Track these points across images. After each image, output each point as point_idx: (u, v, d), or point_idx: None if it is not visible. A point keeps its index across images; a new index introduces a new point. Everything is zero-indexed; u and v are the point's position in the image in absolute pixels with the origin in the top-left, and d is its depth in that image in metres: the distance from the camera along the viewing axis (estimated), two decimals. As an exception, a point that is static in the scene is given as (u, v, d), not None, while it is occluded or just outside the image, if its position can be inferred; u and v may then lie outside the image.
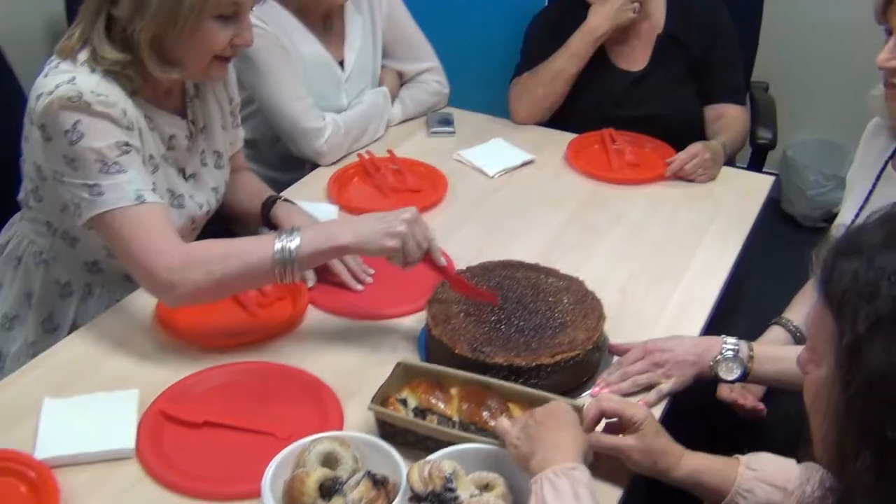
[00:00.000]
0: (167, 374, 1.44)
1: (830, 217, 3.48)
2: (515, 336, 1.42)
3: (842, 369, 0.84)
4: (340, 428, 1.34)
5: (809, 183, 3.54)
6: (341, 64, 2.18)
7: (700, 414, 1.56)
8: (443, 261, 1.49)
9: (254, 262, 1.40)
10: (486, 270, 1.58)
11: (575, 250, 1.82)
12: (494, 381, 1.34)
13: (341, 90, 2.19)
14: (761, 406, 1.58)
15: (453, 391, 1.34)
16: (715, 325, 1.64)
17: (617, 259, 1.80)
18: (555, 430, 1.15)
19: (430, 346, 1.47)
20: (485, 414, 1.30)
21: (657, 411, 1.40)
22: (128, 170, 1.42)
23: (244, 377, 1.44)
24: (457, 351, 1.39)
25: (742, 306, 1.95)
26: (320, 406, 1.38)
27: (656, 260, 1.80)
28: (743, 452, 1.72)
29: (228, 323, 1.56)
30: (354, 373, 1.46)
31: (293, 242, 1.39)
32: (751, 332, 1.68)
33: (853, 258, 0.85)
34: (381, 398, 1.31)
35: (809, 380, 0.91)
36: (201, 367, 1.44)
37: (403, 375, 1.36)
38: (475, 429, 1.29)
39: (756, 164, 2.53)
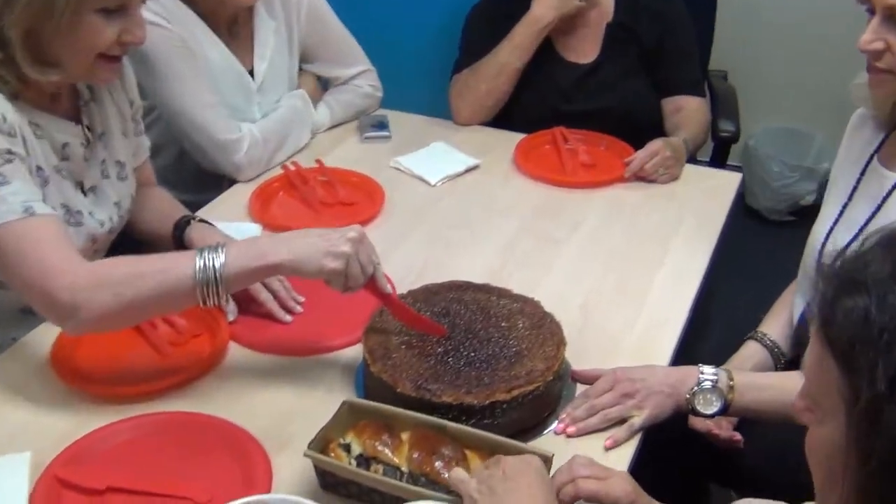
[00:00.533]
0: (66, 429, 1.32)
1: (797, 210, 3.48)
2: (465, 370, 1.33)
3: (858, 432, 0.74)
4: (268, 486, 1.23)
5: (774, 174, 3.50)
6: (251, 73, 2.07)
7: (671, 445, 1.51)
8: (388, 288, 1.40)
9: (171, 283, 1.30)
10: (430, 294, 1.49)
11: (529, 264, 1.75)
12: (452, 424, 1.24)
13: (253, 102, 2.08)
14: (738, 436, 1.52)
15: (404, 436, 1.24)
16: (685, 337, 1.58)
17: (576, 273, 1.73)
18: (525, 492, 1.05)
19: (369, 384, 1.37)
20: (437, 464, 1.20)
21: (629, 448, 1.33)
22: (12, 181, 1.31)
23: (155, 431, 1.32)
24: (399, 390, 1.29)
25: (711, 311, 1.89)
26: (245, 461, 1.27)
27: (619, 271, 1.74)
28: (723, 483, 1.68)
29: (136, 366, 1.45)
30: (285, 419, 1.35)
31: (218, 260, 1.29)
32: (723, 342, 1.67)
33: (858, 295, 0.75)
34: (322, 442, 1.22)
35: (814, 438, 0.81)
36: (105, 419, 1.33)
37: (349, 416, 1.26)
38: (426, 481, 1.19)
39: (718, 159, 2.50)
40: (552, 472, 1.16)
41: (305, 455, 1.19)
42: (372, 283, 1.37)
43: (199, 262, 1.29)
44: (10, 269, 1.33)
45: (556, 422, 1.35)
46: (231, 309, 1.55)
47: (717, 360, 1.53)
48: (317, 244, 1.31)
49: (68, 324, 1.32)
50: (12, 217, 1.30)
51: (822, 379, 0.78)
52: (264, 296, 1.56)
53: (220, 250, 1.30)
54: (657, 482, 1.27)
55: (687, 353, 1.56)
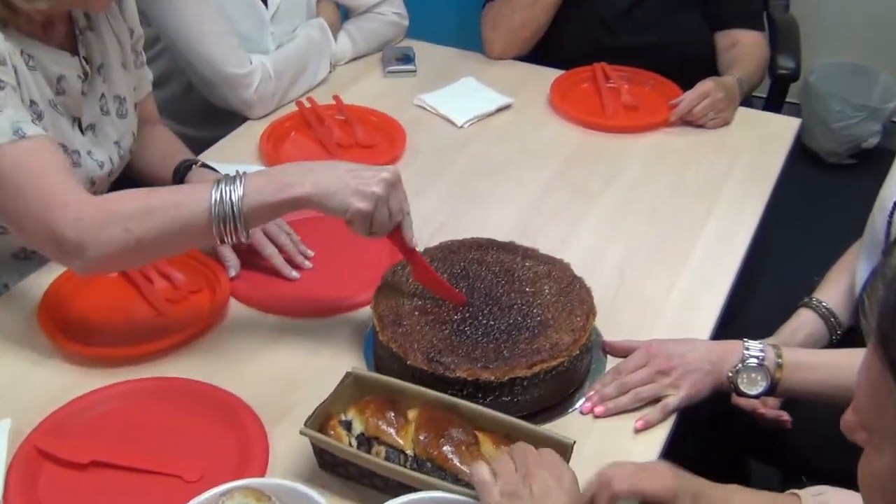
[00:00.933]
0: (51, 393, 1.27)
1: (859, 153, 3.35)
2: (483, 341, 1.26)
3: None
4: (264, 464, 1.18)
5: (834, 114, 3.36)
6: (264, 1, 1.98)
7: (710, 421, 1.45)
8: (414, 241, 1.32)
9: (184, 218, 1.23)
10: (449, 253, 1.41)
11: (560, 219, 1.68)
12: (463, 403, 1.17)
13: (266, 32, 1.99)
14: (786, 416, 1.45)
15: (411, 414, 1.18)
16: (731, 302, 1.50)
17: (611, 230, 1.66)
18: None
19: (378, 353, 1.31)
20: (446, 448, 1.13)
21: (662, 430, 1.26)
22: (3, 108, 1.25)
23: (145, 398, 1.27)
24: (409, 362, 1.23)
25: (762, 270, 1.81)
26: (241, 436, 1.21)
27: (660, 229, 1.66)
28: (765, 462, 1.60)
29: (129, 325, 1.41)
30: (285, 388, 1.30)
31: (235, 192, 1.22)
32: (774, 307, 1.59)
33: None
34: (322, 418, 1.16)
35: (868, 466, 0.73)
36: (93, 383, 1.28)
37: (353, 390, 1.20)
38: (432, 466, 1.12)
39: (775, 99, 2.38)
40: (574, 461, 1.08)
41: (302, 433, 1.13)
42: (397, 234, 1.29)
43: (215, 195, 1.22)
44: (6, 201, 1.26)
45: (583, 399, 1.28)
46: (233, 263, 1.49)
47: (766, 328, 1.48)
48: (346, 180, 1.23)
49: (75, 263, 1.26)
50: (3, 139, 1.24)
51: (879, 401, 0.70)
52: (269, 250, 1.49)
53: (238, 182, 1.23)
54: (694, 460, 1.20)
55: (732, 319, 1.49)
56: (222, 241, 1.25)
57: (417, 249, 1.34)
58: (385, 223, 1.26)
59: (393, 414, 1.17)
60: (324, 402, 1.17)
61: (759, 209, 1.71)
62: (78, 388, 1.27)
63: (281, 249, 1.50)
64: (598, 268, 1.49)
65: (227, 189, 1.22)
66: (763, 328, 1.46)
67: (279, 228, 1.51)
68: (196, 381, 1.29)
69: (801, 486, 1.13)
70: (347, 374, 1.20)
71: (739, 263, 1.56)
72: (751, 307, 1.64)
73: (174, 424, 1.24)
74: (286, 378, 1.32)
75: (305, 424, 1.13)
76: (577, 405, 1.28)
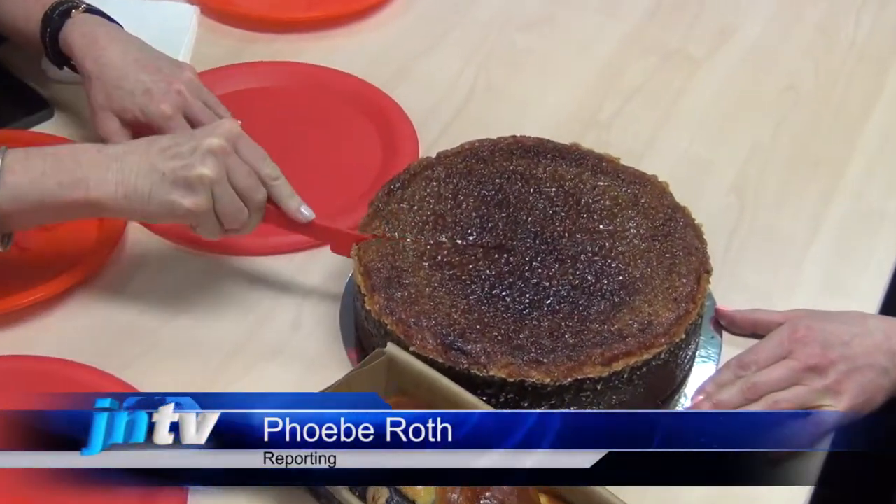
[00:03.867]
0: None
1: None
2: (532, 316, 1.12)
3: None
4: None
5: None
6: None
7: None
8: (305, 213, 1.21)
9: None
10: (476, 161, 1.29)
11: (646, 104, 1.60)
12: None
13: None
14: None
15: None
16: None
17: (724, 121, 1.57)
18: None
19: (363, 328, 1.18)
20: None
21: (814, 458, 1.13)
22: None
23: None
24: (413, 348, 1.10)
25: None
26: None
27: (800, 117, 1.57)
28: None
29: None
30: (212, 380, 1.19)
31: None
32: None
33: None
34: None
35: None
36: None
37: (382, 378, 1.09)
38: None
39: None
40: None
41: None
42: (273, 213, 1.20)
43: None
44: None
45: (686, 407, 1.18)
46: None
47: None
48: (158, 166, 1.14)
49: None
50: None
51: None
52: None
53: None
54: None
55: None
56: None
57: (313, 219, 1.22)
58: (238, 212, 1.16)
59: None
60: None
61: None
62: None
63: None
64: (704, 188, 1.42)
65: None
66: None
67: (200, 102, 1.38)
68: (74, 365, 1.19)
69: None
70: (378, 353, 1.09)
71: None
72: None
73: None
74: (213, 366, 1.21)
75: None
76: (677, 417, 1.16)
